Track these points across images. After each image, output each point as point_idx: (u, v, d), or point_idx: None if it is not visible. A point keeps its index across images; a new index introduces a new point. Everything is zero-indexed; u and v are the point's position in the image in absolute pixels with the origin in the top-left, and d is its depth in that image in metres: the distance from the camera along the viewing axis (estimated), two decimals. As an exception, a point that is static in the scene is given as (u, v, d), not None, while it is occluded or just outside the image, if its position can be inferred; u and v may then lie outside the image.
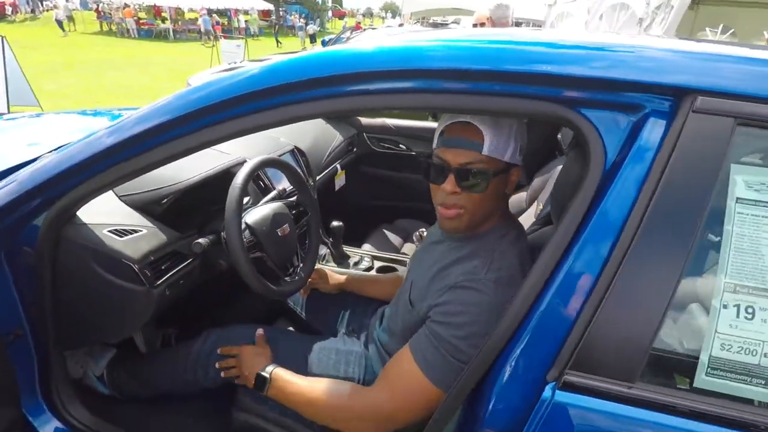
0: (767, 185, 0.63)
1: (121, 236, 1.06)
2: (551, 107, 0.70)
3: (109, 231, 1.05)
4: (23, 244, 1.00)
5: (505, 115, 0.81)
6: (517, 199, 1.97)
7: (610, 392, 0.63)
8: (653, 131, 0.65)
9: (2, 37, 5.37)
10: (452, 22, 15.10)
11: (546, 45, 0.73)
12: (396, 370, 0.91)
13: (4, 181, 0.98)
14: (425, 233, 2.11)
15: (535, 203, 1.78)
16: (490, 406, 0.71)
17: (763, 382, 0.62)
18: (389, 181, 2.49)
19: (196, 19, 19.93)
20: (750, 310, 0.62)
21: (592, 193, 0.67)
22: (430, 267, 1.00)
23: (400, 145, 2.45)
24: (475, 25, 3.47)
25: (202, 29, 19.82)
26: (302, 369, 1.17)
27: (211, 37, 18.93)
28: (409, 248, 2.09)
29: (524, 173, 1.97)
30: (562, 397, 0.65)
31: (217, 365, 1.16)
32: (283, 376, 1.03)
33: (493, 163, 0.87)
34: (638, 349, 0.63)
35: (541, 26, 10.81)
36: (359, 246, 2.00)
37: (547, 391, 0.66)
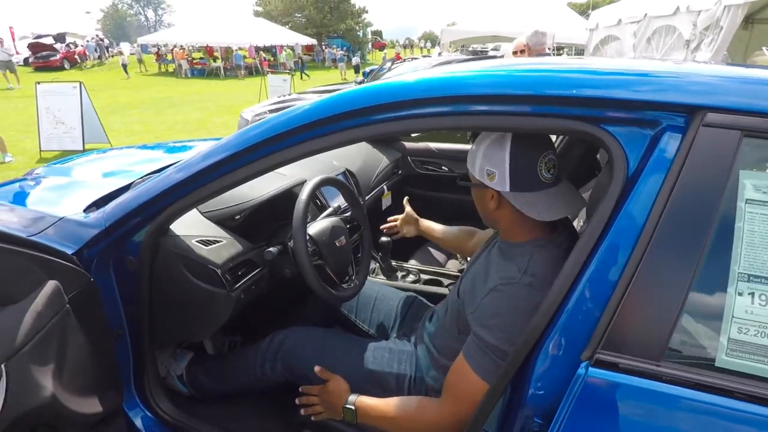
0: (773, 187, 0.71)
1: (206, 246, 1.24)
2: (580, 125, 0.82)
3: (197, 241, 1.23)
4: (127, 254, 1.20)
5: (538, 131, 0.94)
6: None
7: (638, 369, 0.72)
8: (669, 143, 0.76)
9: (80, 83, 5.98)
10: (492, 49, 15.29)
11: (577, 72, 0.86)
12: (455, 379, 1.00)
13: (109, 205, 1.19)
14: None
15: (577, 219, 1.86)
16: (531, 390, 0.81)
17: (778, 361, 0.69)
18: (432, 201, 2.60)
19: (244, 56, 21.11)
20: (764, 298, 0.70)
21: (616, 197, 0.78)
22: (478, 264, 1.13)
23: (443, 167, 2.58)
24: (515, 53, 3.62)
25: (234, 64, 21.16)
26: (358, 365, 1.30)
27: (242, 73, 20.24)
28: (452, 265, 2.20)
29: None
30: (595, 373, 0.74)
31: (297, 401, 1.25)
32: (365, 403, 1.12)
33: (472, 176, 1.05)
34: (663, 331, 0.72)
35: (582, 51, 10.78)
36: (406, 261, 2.12)
37: (581, 369, 0.75)
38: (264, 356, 1.38)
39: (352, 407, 1.12)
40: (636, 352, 0.73)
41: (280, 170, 1.73)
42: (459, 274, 1.96)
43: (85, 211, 1.27)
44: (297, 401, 1.24)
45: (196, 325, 1.32)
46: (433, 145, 2.61)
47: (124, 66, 20.64)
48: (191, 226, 1.29)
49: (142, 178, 1.50)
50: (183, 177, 1.08)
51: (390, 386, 1.27)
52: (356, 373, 1.29)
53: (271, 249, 1.30)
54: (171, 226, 1.22)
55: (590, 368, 0.74)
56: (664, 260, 0.73)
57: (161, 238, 1.19)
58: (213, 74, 21.56)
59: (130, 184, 1.44)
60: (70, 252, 1.10)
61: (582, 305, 0.78)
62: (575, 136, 0.88)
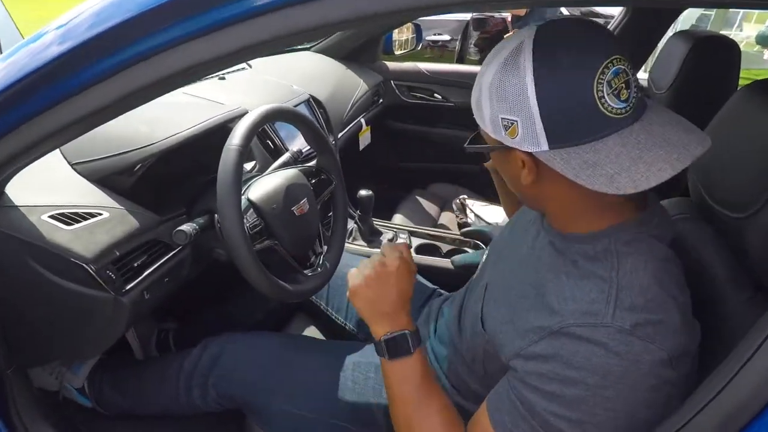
0: None
1: (68, 224, 0.73)
2: None
3: (51, 216, 0.73)
4: None
5: None
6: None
7: None
8: None
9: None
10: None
11: None
12: None
13: None
14: (468, 201, 1.77)
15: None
16: None
17: None
18: (422, 138, 2.12)
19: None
20: None
21: None
22: (517, 269, 0.66)
23: (435, 95, 2.06)
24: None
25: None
26: (329, 393, 0.87)
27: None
28: (447, 219, 1.75)
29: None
30: None
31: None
32: (417, 362, 0.66)
33: (487, 137, 0.59)
34: None
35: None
36: (389, 218, 1.66)
37: None
38: (190, 378, 0.94)
39: (384, 348, 0.67)
40: None
41: (214, 95, 1.18)
42: (459, 236, 1.51)
43: None
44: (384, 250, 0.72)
45: (76, 343, 0.84)
46: (424, 66, 2.06)
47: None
48: (47, 189, 0.78)
49: None
50: (49, 58, 0.53)
51: (377, 423, 0.85)
52: (326, 405, 0.87)
53: (183, 228, 0.80)
54: (7, 189, 0.70)
55: None
56: None
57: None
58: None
59: None
60: None
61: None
62: None
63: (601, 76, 0.49)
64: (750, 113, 0.60)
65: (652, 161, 0.48)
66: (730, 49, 1.11)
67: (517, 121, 0.52)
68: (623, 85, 0.50)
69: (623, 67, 0.50)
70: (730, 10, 5.55)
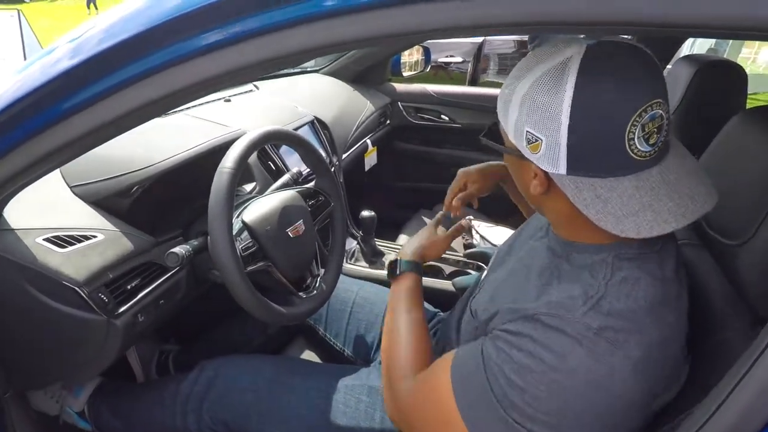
0: None
1: (62, 246, 0.74)
2: None
3: (46, 239, 0.73)
4: None
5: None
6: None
7: None
8: None
9: (18, 11, 5.18)
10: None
11: None
12: (430, 377, 0.63)
13: None
14: (474, 222, 1.75)
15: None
16: None
17: None
18: (428, 159, 2.10)
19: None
20: None
21: None
22: (512, 266, 0.68)
23: (443, 116, 2.05)
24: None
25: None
26: (324, 420, 0.86)
27: None
28: (454, 241, 1.73)
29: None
30: None
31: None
32: (407, 289, 0.77)
33: (503, 131, 0.59)
34: None
35: None
36: (394, 239, 1.65)
37: None
38: (186, 403, 0.93)
39: (388, 269, 0.81)
40: None
41: (218, 117, 1.20)
42: (462, 257, 1.50)
43: None
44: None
45: (70, 366, 0.84)
46: (431, 88, 2.07)
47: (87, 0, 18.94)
48: (43, 212, 0.78)
49: None
50: (56, 74, 0.52)
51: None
52: (318, 430, 0.86)
53: (175, 250, 0.80)
54: (6, 209, 0.71)
55: None
56: None
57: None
58: None
59: None
60: None
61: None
62: None
63: (638, 118, 0.48)
64: (745, 140, 0.59)
65: (659, 211, 0.48)
66: (736, 73, 1.09)
67: (542, 140, 0.51)
68: (655, 129, 0.49)
69: (661, 111, 0.49)
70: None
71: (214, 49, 0.47)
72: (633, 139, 0.48)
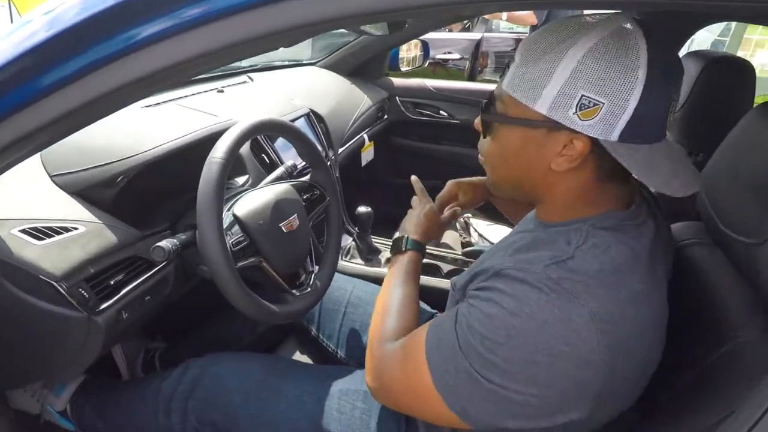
0: None
1: (39, 239, 0.69)
2: None
3: (22, 230, 0.69)
4: None
5: None
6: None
7: None
8: None
9: (9, 2, 5.10)
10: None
11: None
12: (408, 340, 0.63)
13: None
14: (471, 220, 1.72)
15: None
16: None
17: None
18: (426, 155, 2.07)
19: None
20: None
21: None
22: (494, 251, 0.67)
23: (441, 112, 2.02)
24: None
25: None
26: (317, 425, 0.82)
27: None
28: (450, 237, 1.69)
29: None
30: None
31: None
32: (408, 262, 0.79)
33: (514, 106, 0.55)
34: None
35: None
36: (391, 235, 1.61)
37: None
38: (169, 401, 0.89)
39: (402, 248, 0.81)
40: None
41: (209, 107, 1.15)
42: (460, 256, 1.47)
43: None
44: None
45: (50, 364, 0.80)
46: (430, 83, 2.03)
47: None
48: (21, 202, 0.74)
49: None
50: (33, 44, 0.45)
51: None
52: None
53: (161, 244, 0.76)
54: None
55: None
56: None
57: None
58: None
59: None
60: None
61: None
62: None
63: (676, 92, 0.52)
64: (763, 135, 0.56)
65: (684, 172, 0.52)
66: (744, 69, 1.06)
67: (603, 104, 0.49)
68: (673, 103, 0.53)
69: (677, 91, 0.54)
70: (745, 36, 5.48)
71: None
72: (670, 105, 0.52)
